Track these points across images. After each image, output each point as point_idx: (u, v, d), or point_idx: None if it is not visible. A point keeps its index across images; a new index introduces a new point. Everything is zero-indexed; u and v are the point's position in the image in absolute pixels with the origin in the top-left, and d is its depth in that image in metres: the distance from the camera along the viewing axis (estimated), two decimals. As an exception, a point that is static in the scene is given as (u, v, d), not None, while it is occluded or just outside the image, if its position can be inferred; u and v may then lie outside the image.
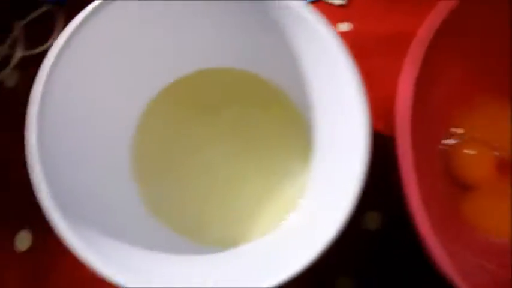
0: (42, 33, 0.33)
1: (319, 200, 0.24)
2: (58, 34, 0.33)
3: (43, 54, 0.33)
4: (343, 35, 0.25)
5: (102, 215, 0.23)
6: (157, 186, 0.27)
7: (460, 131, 0.29)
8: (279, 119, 0.28)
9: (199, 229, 0.26)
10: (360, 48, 0.28)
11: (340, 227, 0.19)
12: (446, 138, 0.29)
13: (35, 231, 0.30)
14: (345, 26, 0.32)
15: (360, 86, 0.21)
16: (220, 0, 0.24)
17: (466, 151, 0.28)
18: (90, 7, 0.23)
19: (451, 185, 0.28)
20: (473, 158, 0.28)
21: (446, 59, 0.24)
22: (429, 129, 0.26)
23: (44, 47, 0.33)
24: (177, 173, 0.28)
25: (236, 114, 0.28)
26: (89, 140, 0.24)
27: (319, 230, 0.20)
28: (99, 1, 0.23)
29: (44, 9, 0.33)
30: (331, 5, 0.32)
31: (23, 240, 0.30)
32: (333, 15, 0.32)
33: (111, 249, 0.21)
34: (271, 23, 0.23)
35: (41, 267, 0.30)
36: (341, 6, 0.32)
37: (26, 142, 0.22)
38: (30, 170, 0.22)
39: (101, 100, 0.25)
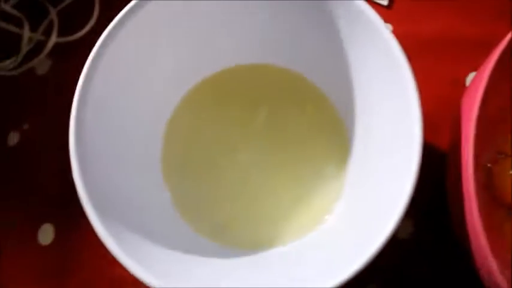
0: (78, 20, 0.33)
1: (361, 207, 0.23)
2: (94, 21, 0.33)
3: (77, 42, 0.33)
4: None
5: (136, 218, 0.23)
6: (188, 188, 0.26)
7: (505, 149, 0.27)
8: (316, 121, 0.27)
9: (230, 232, 0.26)
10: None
11: (389, 236, 0.19)
12: (492, 155, 0.27)
13: (58, 225, 0.30)
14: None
15: (418, 96, 0.20)
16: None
17: (510, 172, 0.27)
18: (124, 12, 0.22)
19: (491, 203, 0.27)
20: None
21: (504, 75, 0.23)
22: (483, 144, 0.25)
23: (79, 34, 0.32)
24: (208, 174, 0.27)
25: (272, 113, 0.28)
26: (122, 143, 0.24)
27: (367, 237, 0.20)
28: (134, 2, 0.22)
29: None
30: (377, 4, 0.31)
31: (46, 234, 0.30)
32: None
33: (147, 253, 0.21)
34: (324, 20, 0.23)
35: (63, 262, 0.29)
36: (383, 7, 0.31)
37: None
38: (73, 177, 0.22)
39: (133, 103, 0.25)
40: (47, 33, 0.32)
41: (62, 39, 0.32)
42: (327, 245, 0.23)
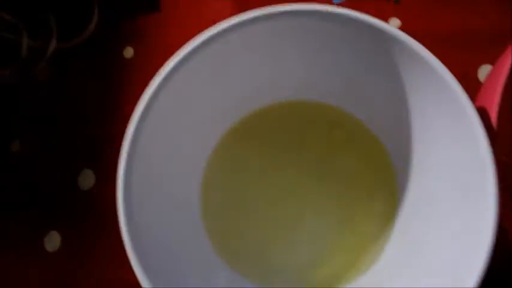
0: (77, 26, 0.32)
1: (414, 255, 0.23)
2: (93, 26, 0.32)
3: (76, 47, 0.32)
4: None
5: (174, 259, 0.22)
6: (227, 229, 0.26)
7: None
8: (365, 165, 0.26)
9: (272, 273, 0.25)
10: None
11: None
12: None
13: (65, 232, 0.29)
14: (394, 22, 0.30)
15: (489, 151, 0.19)
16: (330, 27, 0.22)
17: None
18: (179, 57, 0.21)
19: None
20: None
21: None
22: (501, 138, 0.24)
23: (79, 39, 0.32)
24: (250, 219, 0.26)
25: (318, 154, 0.26)
26: (165, 183, 0.23)
27: None
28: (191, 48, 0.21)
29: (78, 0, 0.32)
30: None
31: (53, 241, 0.29)
32: (382, 10, 0.31)
33: None
34: (383, 63, 0.22)
35: (70, 269, 0.29)
36: (391, 1, 0.30)
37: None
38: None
39: (177, 143, 0.24)
40: (46, 40, 0.31)
41: (62, 45, 0.31)
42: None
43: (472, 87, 0.24)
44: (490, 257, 0.18)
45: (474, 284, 0.18)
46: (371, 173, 0.26)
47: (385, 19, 0.30)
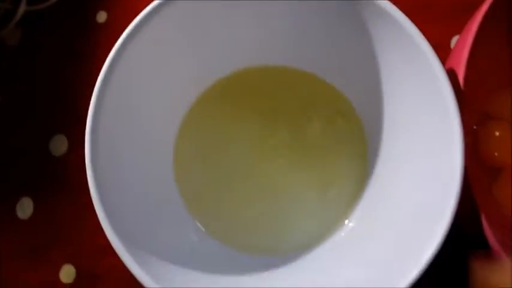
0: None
1: (383, 213, 0.23)
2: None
3: (47, 10, 0.32)
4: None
5: (149, 226, 0.22)
6: (200, 192, 0.26)
7: (489, 111, 0.27)
8: (339, 129, 0.26)
9: (247, 238, 0.25)
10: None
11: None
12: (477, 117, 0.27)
13: (37, 198, 0.29)
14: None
15: (458, 115, 0.19)
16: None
17: (496, 133, 0.27)
18: (144, 12, 0.21)
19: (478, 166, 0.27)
20: (503, 140, 0.27)
21: (491, 35, 0.23)
22: (468, 107, 0.25)
23: (50, 2, 0.31)
24: (225, 180, 0.26)
25: (293, 119, 0.26)
26: (135, 147, 0.23)
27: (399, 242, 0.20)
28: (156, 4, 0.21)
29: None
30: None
31: (25, 208, 0.29)
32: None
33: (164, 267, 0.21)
34: (354, 25, 0.22)
35: (44, 236, 0.28)
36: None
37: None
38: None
39: (147, 104, 0.23)
40: (15, 2, 0.30)
41: (32, 8, 0.31)
42: (352, 249, 0.23)
43: (445, 57, 0.24)
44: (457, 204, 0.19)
45: (446, 225, 0.18)
46: (343, 136, 0.26)
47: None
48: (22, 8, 0.30)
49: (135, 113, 0.23)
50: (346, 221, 0.25)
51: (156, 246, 0.21)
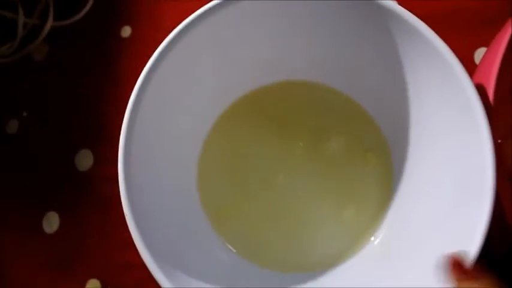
0: (73, 4, 0.32)
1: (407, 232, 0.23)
2: (90, 5, 0.32)
3: (74, 26, 0.32)
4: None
5: (175, 245, 0.22)
6: (223, 209, 0.26)
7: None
8: (361, 146, 0.26)
9: (267, 254, 0.25)
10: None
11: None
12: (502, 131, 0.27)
13: (63, 213, 0.29)
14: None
15: (489, 131, 0.19)
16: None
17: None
18: (172, 35, 0.21)
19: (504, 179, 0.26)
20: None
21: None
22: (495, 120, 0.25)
23: (75, 18, 0.31)
24: (244, 197, 0.26)
25: (315, 134, 0.26)
26: (163, 164, 0.23)
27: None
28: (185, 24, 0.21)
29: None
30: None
31: (51, 222, 0.29)
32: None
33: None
34: (384, 43, 0.22)
35: (69, 250, 0.29)
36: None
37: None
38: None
39: (174, 121, 0.24)
40: (43, 18, 0.31)
41: (58, 24, 0.31)
42: (379, 266, 0.23)
43: (468, 70, 0.24)
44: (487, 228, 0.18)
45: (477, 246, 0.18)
46: (365, 152, 0.26)
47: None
48: (49, 24, 0.31)
49: (163, 129, 0.23)
50: (372, 238, 0.24)
51: (182, 262, 0.21)
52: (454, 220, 0.20)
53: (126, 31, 0.32)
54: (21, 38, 0.31)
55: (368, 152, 0.26)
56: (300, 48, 0.25)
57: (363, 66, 0.24)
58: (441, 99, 0.21)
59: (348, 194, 0.25)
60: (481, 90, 0.21)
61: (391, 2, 0.20)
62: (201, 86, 0.24)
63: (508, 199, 0.24)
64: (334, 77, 0.26)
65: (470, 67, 0.25)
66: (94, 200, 0.29)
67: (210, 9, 0.21)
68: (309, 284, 0.23)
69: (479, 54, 0.29)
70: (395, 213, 0.24)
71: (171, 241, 0.22)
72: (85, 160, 0.30)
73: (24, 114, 0.31)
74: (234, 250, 0.25)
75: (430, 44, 0.20)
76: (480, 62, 0.24)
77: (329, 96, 0.26)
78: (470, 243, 0.18)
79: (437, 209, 0.22)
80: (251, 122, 0.27)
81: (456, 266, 0.18)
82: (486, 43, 0.29)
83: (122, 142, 0.20)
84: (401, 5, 0.29)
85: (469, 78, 0.19)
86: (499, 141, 0.27)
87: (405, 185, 0.24)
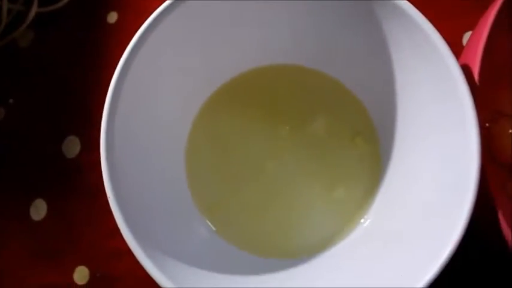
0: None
1: (398, 213, 0.23)
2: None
3: (59, 12, 0.32)
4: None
5: (163, 228, 0.22)
6: (211, 193, 0.26)
7: (502, 108, 0.27)
8: (349, 129, 0.26)
9: (260, 241, 0.25)
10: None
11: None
12: (489, 114, 0.27)
13: (50, 200, 0.29)
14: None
15: (474, 112, 0.19)
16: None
17: (510, 131, 0.26)
18: (156, 13, 0.21)
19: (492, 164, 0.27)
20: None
21: (505, 30, 0.22)
22: (480, 104, 0.25)
23: (61, 3, 0.31)
24: (233, 180, 0.26)
25: (300, 117, 0.26)
26: (149, 148, 0.23)
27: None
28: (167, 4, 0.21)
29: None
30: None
31: (38, 210, 0.29)
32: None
33: (177, 267, 0.21)
34: (371, 25, 0.22)
35: (57, 237, 0.28)
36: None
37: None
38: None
39: (159, 105, 0.23)
40: (27, 4, 0.30)
41: (43, 10, 0.31)
42: (368, 248, 0.23)
43: (456, 53, 0.24)
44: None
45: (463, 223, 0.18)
46: (352, 133, 0.26)
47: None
48: (34, 10, 0.30)
49: (147, 114, 0.23)
50: (362, 220, 0.24)
51: (171, 248, 0.21)
52: (442, 202, 0.20)
53: (113, 17, 0.31)
54: (6, 25, 0.30)
55: (356, 134, 0.26)
56: (283, 31, 0.24)
57: (349, 49, 0.24)
58: (427, 81, 0.21)
59: (337, 177, 0.25)
60: (467, 72, 0.21)
61: None
62: (187, 69, 0.24)
63: (493, 181, 0.24)
64: (319, 60, 0.26)
65: (460, 50, 0.25)
66: (82, 187, 0.29)
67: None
68: (301, 269, 0.23)
69: (467, 37, 0.29)
70: (384, 195, 0.24)
71: (157, 226, 0.21)
72: (72, 147, 0.29)
73: (11, 101, 0.31)
74: (225, 238, 0.25)
75: (415, 23, 0.20)
76: (466, 44, 0.24)
77: (315, 79, 0.26)
78: (456, 225, 0.18)
79: (426, 191, 0.22)
80: (236, 109, 0.26)
81: None
82: (474, 26, 0.29)
83: (103, 124, 0.20)
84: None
85: (453, 57, 0.19)
86: (487, 124, 0.27)
87: (394, 167, 0.24)
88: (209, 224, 0.25)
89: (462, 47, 0.29)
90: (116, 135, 0.20)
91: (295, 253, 0.24)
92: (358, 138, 0.26)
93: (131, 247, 0.19)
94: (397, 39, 0.21)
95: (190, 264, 0.21)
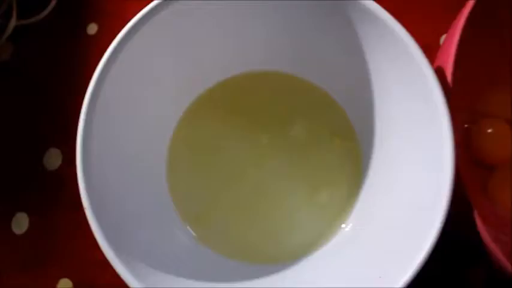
0: (38, 2, 0.31)
1: (378, 217, 0.23)
2: (55, 2, 0.31)
3: (38, 24, 0.32)
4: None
5: (145, 238, 0.22)
6: (192, 198, 0.25)
7: (481, 109, 0.27)
8: (327, 131, 0.26)
9: (244, 247, 0.25)
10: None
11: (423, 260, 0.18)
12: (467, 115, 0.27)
13: (32, 213, 0.29)
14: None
15: (447, 111, 0.19)
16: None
17: (489, 130, 0.27)
18: (136, 18, 0.21)
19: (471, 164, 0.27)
20: (496, 137, 0.27)
21: (478, 32, 0.23)
22: (458, 104, 0.25)
23: (40, 16, 0.31)
24: (214, 186, 0.26)
25: (281, 122, 0.26)
26: (128, 155, 0.23)
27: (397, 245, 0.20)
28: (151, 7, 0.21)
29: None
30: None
31: (20, 223, 0.29)
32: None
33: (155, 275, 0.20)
34: (338, 26, 0.22)
35: (40, 250, 0.28)
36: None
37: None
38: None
39: (139, 111, 0.23)
40: (6, 17, 0.30)
41: (22, 22, 0.31)
42: (350, 252, 0.23)
43: (434, 56, 0.24)
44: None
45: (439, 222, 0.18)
46: (332, 136, 0.26)
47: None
48: (13, 23, 0.30)
49: (126, 121, 0.23)
50: (343, 225, 0.24)
51: (151, 256, 0.21)
52: (420, 204, 0.20)
53: (93, 28, 0.31)
54: (-15, 38, 0.30)
55: (334, 136, 0.26)
56: (258, 38, 0.25)
57: (323, 52, 0.24)
58: (401, 82, 0.21)
59: (320, 181, 0.25)
60: (441, 73, 0.21)
61: None
62: (168, 75, 0.24)
63: (471, 183, 0.25)
64: (294, 65, 0.26)
65: (436, 52, 0.26)
66: (64, 199, 0.29)
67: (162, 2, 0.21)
68: (284, 274, 0.23)
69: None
70: (365, 199, 0.25)
71: (139, 235, 0.21)
72: (54, 159, 0.29)
73: (-10, 113, 0.31)
74: (207, 245, 0.25)
75: (388, 28, 0.20)
76: (441, 46, 0.24)
77: (291, 84, 0.26)
78: (432, 227, 0.18)
79: (406, 192, 0.22)
80: (216, 116, 0.26)
81: None
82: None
83: (79, 134, 0.20)
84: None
85: (425, 58, 0.20)
86: (466, 125, 0.27)
87: (374, 169, 0.24)
88: (191, 231, 0.25)
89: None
90: (94, 143, 0.20)
91: (279, 258, 0.24)
92: (337, 140, 0.26)
93: (104, 251, 0.19)
94: (370, 41, 0.21)
95: (170, 271, 0.21)
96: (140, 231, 0.22)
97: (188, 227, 0.25)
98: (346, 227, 0.24)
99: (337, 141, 0.26)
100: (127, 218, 0.21)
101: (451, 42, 0.21)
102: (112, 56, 0.21)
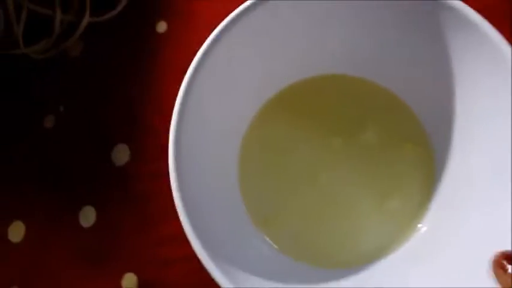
0: (109, 0, 0.32)
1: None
2: (126, 1, 0.32)
3: (109, 22, 0.32)
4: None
5: (222, 236, 0.22)
6: (264, 203, 0.25)
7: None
8: (399, 136, 0.26)
9: (315, 252, 0.25)
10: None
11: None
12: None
13: (99, 207, 0.29)
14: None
15: None
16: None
17: None
18: (220, 27, 0.22)
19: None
20: None
21: None
22: None
23: (111, 14, 0.32)
24: (285, 190, 0.26)
25: (352, 127, 0.26)
26: (208, 158, 0.23)
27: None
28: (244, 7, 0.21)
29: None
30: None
31: (87, 216, 0.29)
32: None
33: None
34: (433, 34, 0.21)
35: (105, 244, 0.29)
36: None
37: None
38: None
39: (223, 107, 0.24)
40: (79, 15, 0.31)
41: (94, 20, 0.31)
42: (426, 255, 0.22)
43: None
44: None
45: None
46: (403, 141, 0.26)
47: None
48: (86, 20, 0.31)
49: (211, 119, 0.23)
50: (420, 225, 0.24)
51: (230, 256, 0.21)
52: (500, 207, 0.20)
53: (162, 26, 0.32)
54: (57, 35, 0.31)
55: (406, 140, 0.25)
56: (334, 41, 0.24)
57: (401, 57, 0.24)
58: (489, 88, 0.20)
59: (390, 185, 0.25)
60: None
61: None
62: (244, 79, 0.24)
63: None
64: (368, 69, 0.26)
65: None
66: (130, 195, 0.29)
67: (248, 7, 0.21)
68: (356, 279, 0.23)
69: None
70: (440, 202, 0.24)
71: (218, 235, 0.21)
72: (122, 155, 0.30)
73: (61, 109, 0.31)
74: (277, 247, 0.24)
75: (478, 31, 0.19)
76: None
77: (364, 88, 0.26)
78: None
79: (483, 196, 0.21)
80: (287, 119, 0.26)
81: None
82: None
83: (171, 140, 0.20)
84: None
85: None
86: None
87: (448, 172, 0.24)
88: (263, 235, 0.25)
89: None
90: (183, 145, 0.20)
91: (350, 263, 0.24)
92: (408, 144, 0.25)
93: (197, 252, 0.19)
94: (461, 48, 0.21)
95: (247, 271, 0.21)
96: (219, 233, 0.22)
97: (260, 231, 0.25)
98: (421, 229, 0.24)
99: (409, 145, 0.25)
100: (208, 219, 0.21)
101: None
102: (200, 61, 0.21)
